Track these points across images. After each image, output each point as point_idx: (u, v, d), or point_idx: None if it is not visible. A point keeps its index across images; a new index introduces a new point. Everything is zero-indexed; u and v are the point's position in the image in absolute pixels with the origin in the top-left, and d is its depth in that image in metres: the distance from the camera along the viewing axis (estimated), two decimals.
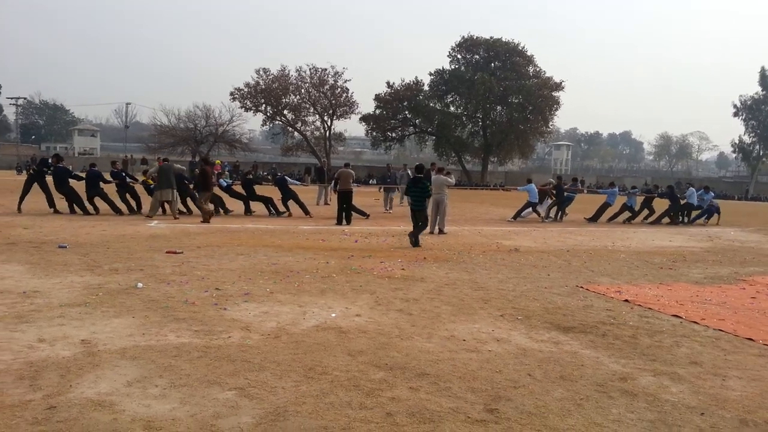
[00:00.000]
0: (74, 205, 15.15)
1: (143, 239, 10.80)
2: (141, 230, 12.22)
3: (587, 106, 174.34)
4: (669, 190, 20.30)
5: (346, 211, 15.08)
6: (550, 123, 57.47)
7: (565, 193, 19.30)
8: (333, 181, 16.60)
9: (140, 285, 6.75)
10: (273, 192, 17.34)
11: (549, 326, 5.76)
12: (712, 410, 3.81)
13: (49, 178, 15.45)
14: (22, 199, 15.03)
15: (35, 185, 15.24)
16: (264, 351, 4.62)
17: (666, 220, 19.77)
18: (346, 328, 5.39)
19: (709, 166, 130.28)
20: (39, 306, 5.72)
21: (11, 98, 78.55)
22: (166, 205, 15.20)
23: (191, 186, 16.18)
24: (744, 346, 5.38)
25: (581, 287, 7.85)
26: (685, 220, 20.26)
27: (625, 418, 3.60)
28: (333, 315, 5.84)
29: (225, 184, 18.06)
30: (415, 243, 11.23)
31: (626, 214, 19.59)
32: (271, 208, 16.73)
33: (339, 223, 14.87)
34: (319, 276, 7.83)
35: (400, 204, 23.40)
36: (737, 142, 71.37)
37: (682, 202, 20.30)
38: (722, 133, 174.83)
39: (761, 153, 70.63)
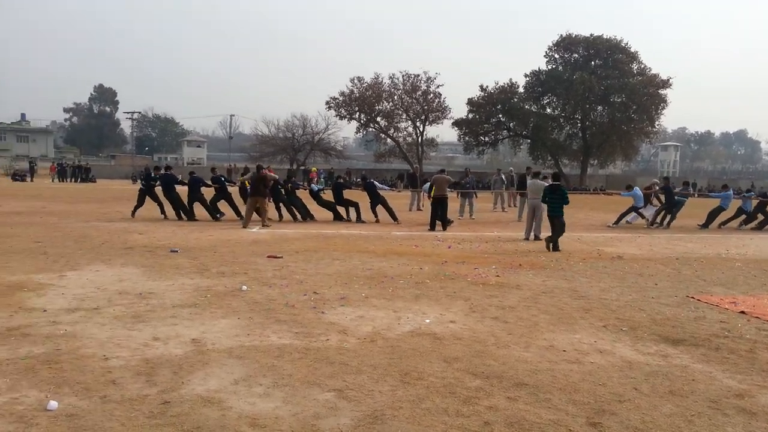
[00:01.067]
0: (180, 210, 16.19)
1: (246, 244, 11.33)
2: (244, 236, 12.82)
3: (697, 105, 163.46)
4: None
5: (441, 217, 15.02)
6: (657, 123, 54.31)
7: (675, 197, 18.03)
8: (429, 187, 16.50)
9: (245, 288, 7.09)
10: (362, 197, 17.49)
11: (657, 338, 5.44)
12: None
13: (158, 189, 16.62)
14: (136, 209, 16.41)
15: (147, 198, 16.50)
16: (361, 354, 4.71)
17: None
18: (441, 334, 5.38)
19: None
20: (153, 306, 6.15)
21: (127, 113, 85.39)
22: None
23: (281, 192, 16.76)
24: None
25: (692, 297, 7.36)
26: None
27: None
28: (427, 321, 5.84)
29: (316, 189, 18.43)
30: (554, 248, 11.53)
31: (741, 218, 18.14)
32: (356, 214, 16.88)
33: (432, 228, 14.84)
34: (412, 281, 7.87)
35: (494, 209, 23.04)
36: None
37: None
38: None
39: None
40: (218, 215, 16.57)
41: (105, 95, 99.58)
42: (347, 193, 17.45)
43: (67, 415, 3.43)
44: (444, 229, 14.83)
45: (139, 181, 18.34)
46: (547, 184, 12.95)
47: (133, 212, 16.33)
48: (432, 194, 15.33)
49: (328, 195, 18.03)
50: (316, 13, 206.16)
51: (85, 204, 21.42)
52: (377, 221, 16.63)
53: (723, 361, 4.83)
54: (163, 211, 16.38)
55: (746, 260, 11.02)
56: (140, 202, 16.57)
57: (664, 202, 18.11)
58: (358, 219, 16.77)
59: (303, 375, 4.21)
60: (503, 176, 24.41)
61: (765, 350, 5.16)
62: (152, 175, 17.27)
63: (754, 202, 18.54)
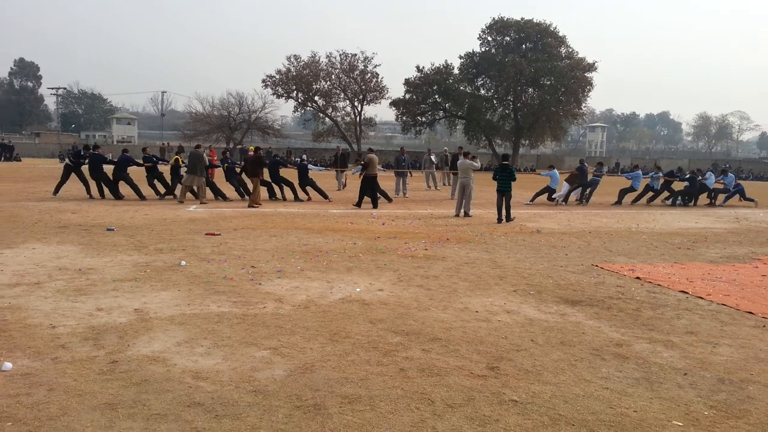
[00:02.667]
0: (105, 189, 16.08)
1: (183, 222, 11.51)
2: (180, 214, 12.94)
3: (624, 87, 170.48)
4: (690, 175, 20.41)
5: (371, 195, 15.56)
6: (583, 105, 56.63)
7: (590, 178, 19.40)
8: (361, 166, 17.01)
9: (183, 263, 7.40)
10: (294, 176, 17.79)
11: (558, 300, 6.18)
12: (695, 371, 4.21)
13: (85, 167, 16.37)
14: (59, 186, 16.20)
15: (73, 175, 16.25)
16: (295, 319, 5.18)
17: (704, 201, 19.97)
18: (369, 300, 5.92)
19: (750, 146, 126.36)
20: (94, 281, 6.39)
21: (52, 88, 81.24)
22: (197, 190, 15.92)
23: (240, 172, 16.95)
24: (742, 319, 5.72)
25: (596, 266, 8.21)
26: (711, 202, 20.28)
27: (613, 376, 4.04)
28: (358, 289, 6.36)
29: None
30: (507, 219, 13.11)
31: (648, 195, 19.79)
32: (293, 193, 17.22)
33: (358, 205, 15.41)
34: (346, 255, 8.37)
35: (429, 188, 23.78)
36: None
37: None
38: (765, 112, 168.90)
39: None
40: (160, 195, 16.53)
41: (26, 70, 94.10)
42: (283, 172, 17.72)
43: (22, 374, 3.75)
44: (374, 207, 15.37)
45: (66, 158, 17.97)
46: (497, 165, 14.19)
47: (56, 189, 16.16)
48: (363, 173, 15.86)
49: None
50: None
51: (12, 183, 20.71)
52: (309, 199, 17.08)
53: (611, 317, 5.59)
54: (89, 191, 16.19)
55: (652, 233, 12.13)
56: (64, 179, 16.34)
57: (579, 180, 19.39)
58: (296, 198, 17.12)
59: (241, 337, 4.64)
60: (433, 156, 25.17)
61: (649, 309, 5.97)
62: (81, 153, 16.97)
63: (661, 181, 20.14)
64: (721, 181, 21.02)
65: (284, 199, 17.05)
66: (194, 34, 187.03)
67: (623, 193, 19.54)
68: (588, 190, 19.33)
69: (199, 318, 5.11)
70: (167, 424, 3.12)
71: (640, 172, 20.21)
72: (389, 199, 17.23)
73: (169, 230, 10.33)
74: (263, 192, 16.55)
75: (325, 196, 17.27)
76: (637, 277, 7.48)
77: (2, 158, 42.14)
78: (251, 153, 16.10)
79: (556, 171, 19.18)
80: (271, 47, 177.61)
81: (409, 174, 21.84)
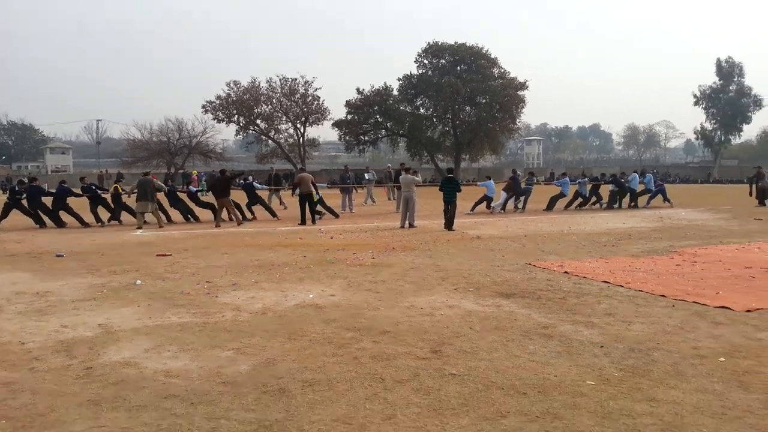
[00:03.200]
0: (47, 218, 15.94)
1: (133, 246, 11.63)
2: (129, 239, 13.02)
3: (557, 102, 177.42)
4: (613, 178, 21.97)
5: (310, 211, 16.03)
6: (518, 120, 58.94)
7: (523, 186, 20.59)
8: (294, 186, 17.53)
9: (139, 282, 7.65)
10: (241, 197, 18.08)
11: (495, 294, 6.80)
12: (610, 344, 4.86)
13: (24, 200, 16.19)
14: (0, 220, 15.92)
15: (14, 210, 16.10)
16: (254, 324, 5.57)
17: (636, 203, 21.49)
18: (322, 304, 6.36)
19: (677, 153, 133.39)
20: (53, 302, 6.58)
21: None
22: (150, 216, 15.97)
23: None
24: (656, 301, 6.48)
25: (530, 264, 8.92)
26: (633, 204, 21.75)
27: (539, 351, 4.64)
28: (311, 296, 6.80)
29: (193, 190, 18.74)
30: (449, 227, 14.00)
31: (578, 201, 21.05)
32: (238, 214, 17.41)
33: (302, 223, 15.79)
34: (297, 267, 8.78)
35: (365, 203, 24.35)
36: (699, 129, 73.76)
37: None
38: (690, 121, 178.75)
39: (722, 139, 73.11)
40: (101, 222, 16.41)
41: None
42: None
43: (3, 383, 4.01)
44: (313, 222, 15.85)
45: (2, 193, 17.72)
46: (443, 178, 15.35)
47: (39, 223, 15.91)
48: (297, 192, 16.36)
49: (206, 198, 18.39)
50: (181, 14, 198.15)
51: None
52: (254, 218, 17.35)
53: (541, 306, 6.23)
54: (37, 221, 15.96)
55: (581, 234, 13.05)
56: (4, 215, 16.15)
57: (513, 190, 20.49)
58: (243, 218, 17.31)
59: (204, 342, 5.01)
60: (372, 173, 25.95)
61: (574, 297, 6.65)
62: (16, 189, 16.75)
63: (588, 186, 21.53)
64: (642, 182, 22.50)
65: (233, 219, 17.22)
66: (130, 61, 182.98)
67: (554, 199, 20.70)
68: (522, 198, 20.42)
69: (162, 328, 5.44)
70: (148, 413, 3.49)
71: (567, 179, 21.59)
72: (336, 215, 17.71)
73: (119, 253, 10.47)
74: (205, 213, 16.83)
75: (274, 214, 17.61)
76: (566, 272, 8.22)
77: None
78: (220, 175, 16.44)
79: (491, 181, 20.20)
80: (207, 74, 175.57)
81: (354, 191, 22.41)
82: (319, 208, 16.96)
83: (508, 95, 53.75)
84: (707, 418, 3.34)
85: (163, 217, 16.22)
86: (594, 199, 21.53)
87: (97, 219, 16.48)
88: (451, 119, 56.73)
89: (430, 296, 6.73)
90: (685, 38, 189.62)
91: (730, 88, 71.25)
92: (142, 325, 5.57)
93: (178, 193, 17.98)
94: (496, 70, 55.76)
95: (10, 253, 10.61)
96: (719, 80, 71.59)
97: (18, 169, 75.19)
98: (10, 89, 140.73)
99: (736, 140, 78.77)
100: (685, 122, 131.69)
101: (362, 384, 3.91)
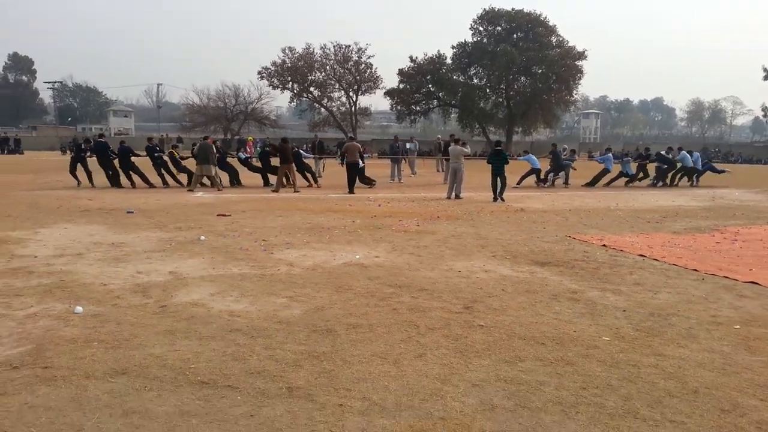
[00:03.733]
0: (112, 178, 17.02)
1: (194, 206, 12.46)
2: (190, 200, 13.89)
3: (618, 74, 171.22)
4: (658, 156, 21.59)
5: (360, 179, 16.50)
6: (575, 92, 57.53)
7: (564, 161, 20.58)
8: (341, 154, 17.88)
9: (202, 238, 8.37)
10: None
11: (530, 262, 7.17)
12: (632, 309, 5.20)
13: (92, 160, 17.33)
14: (72, 174, 17.09)
15: (78, 165, 17.20)
16: (305, 277, 6.16)
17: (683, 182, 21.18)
18: (367, 264, 6.90)
19: (743, 131, 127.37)
20: (128, 252, 7.35)
21: (48, 82, 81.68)
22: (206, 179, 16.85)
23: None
24: (687, 274, 6.72)
25: (569, 236, 9.20)
26: (675, 182, 21.36)
27: (563, 312, 5.03)
28: (357, 257, 7.34)
29: (243, 157, 19.45)
30: (501, 198, 14.63)
31: (623, 179, 20.90)
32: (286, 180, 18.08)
33: (351, 191, 16.23)
34: (346, 231, 9.34)
35: (412, 174, 24.58)
36: (767, 106, 70.30)
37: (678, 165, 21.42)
38: (759, 97, 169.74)
39: None
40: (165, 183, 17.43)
41: (21, 64, 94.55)
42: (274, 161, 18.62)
43: (93, 315, 4.72)
44: (351, 191, 16.15)
45: (68, 151, 18.90)
46: (491, 150, 15.81)
47: (77, 180, 16.99)
48: (345, 161, 16.77)
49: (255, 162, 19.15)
50: None
51: (22, 175, 21.59)
52: (309, 186, 17.99)
53: (573, 274, 6.58)
54: (91, 180, 16.92)
55: (627, 210, 13.13)
56: (72, 169, 17.16)
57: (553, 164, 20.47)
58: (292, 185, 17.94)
59: (262, 290, 5.62)
60: (415, 143, 25.84)
61: (607, 268, 6.96)
62: (82, 147, 17.83)
63: (634, 165, 21.27)
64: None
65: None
66: (188, 26, 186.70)
67: (598, 176, 20.53)
68: (563, 174, 20.43)
69: (225, 277, 6.09)
70: (216, 342, 4.11)
71: (610, 155, 21.37)
72: (371, 184, 18.09)
73: (183, 212, 11.28)
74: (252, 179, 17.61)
75: (316, 182, 18.26)
76: (604, 245, 8.48)
77: (6, 151, 42.90)
78: (249, 143, 17.12)
79: (531, 155, 20.33)
80: (265, 39, 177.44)
81: (404, 160, 22.77)
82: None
83: (565, 65, 52.55)
84: (707, 372, 3.70)
85: (220, 181, 17.05)
86: (641, 175, 21.27)
87: (164, 181, 17.50)
88: (504, 90, 56.01)
89: (469, 261, 7.16)
90: (758, 7, 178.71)
91: None
92: (207, 273, 6.23)
93: (228, 159, 18.82)
94: (554, 39, 54.48)
95: (84, 209, 11.58)
96: None
97: (83, 130, 78.62)
98: (73, 52, 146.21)
99: None
100: (754, 98, 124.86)
101: (399, 329, 4.42)
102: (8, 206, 11.81)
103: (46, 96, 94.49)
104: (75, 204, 12.48)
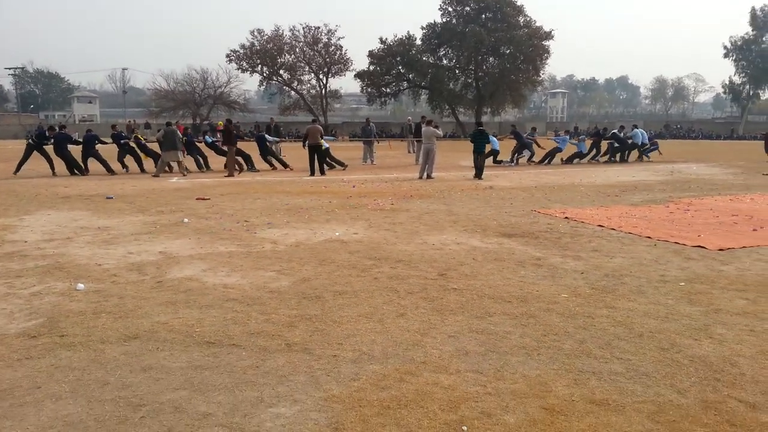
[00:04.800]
0: (72, 167, 16.94)
1: (171, 191, 12.69)
2: (165, 185, 14.09)
3: (584, 52, 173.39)
4: (612, 134, 22.93)
5: (318, 162, 16.83)
6: (542, 72, 58.54)
7: (526, 140, 21.55)
8: (303, 137, 18.08)
9: (186, 220, 8.68)
10: (253, 148, 18.99)
11: (498, 235, 7.69)
12: (589, 271, 5.75)
13: (49, 147, 17.06)
14: (20, 164, 16.87)
15: (36, 153, 16.96)
16: (289, 253, 6.57)
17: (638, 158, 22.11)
18: (347, 240, 7.33)
19: (705, 107, 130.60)
20: (115, 235, 7.65)
21: (9, 68, 79.42)
22: (174, 165, 17.03)
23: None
24: (641, 241, 7.32)
25: (534, 211, 9.77)
26: (625, 158, 22.62)
27: (528, 275, 5.56)
28: (337, 233, 7.76)
29: (209, 140, 19.47)
30: (479, 176, 15.48)
31: (576, 159, 22.07)
32: (249, 165, 18.25)
33: (312, 174, 16.57)
34: (324, 211, 9.75)
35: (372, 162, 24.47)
36: (728, 83, 72.30)
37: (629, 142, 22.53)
38: (720, 74, 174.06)
39: (751, 93, 71.68)
40: (125, 169, 17.52)
41: None
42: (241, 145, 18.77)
43: (95, 291, 5.06)
44: (322, 173, 16.62)
45: (30, 138, 18.60)
46: (474, 130, 16.71)
47: (18, 168, 16.78)
48: (306, 143, 17.06)
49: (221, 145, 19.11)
50: None
51: None
52: (273, 168, 18.26)
53: (537, 244, 7.12)
54: (52, 168, 16.82)
55: (590, 186, 13.79)
56: (25, 158, 16.97)
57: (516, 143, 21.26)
58: (251, 168, 18.22)
59: (250, 265, 6.02)
60: (372, 126, 25.89)
61: (568, 238, 7.51)
62: (46, 134, 17.51)
63: (588, 143, 22.27)
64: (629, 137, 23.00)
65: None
66: (152, 7, 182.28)
67: (551, 153, 21.44)
68: (526, 151, 21.38)
69: (213, 255, 6.46)
70: (215, 310, 4.51)
71: (567, 136, 22.75)
72: (344, 166, 18.49)
73: (162, 197, 11.53)
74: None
75: (285, 165, 18.55)
76: (566, 217, 9.06)
77: None
78: (219, 127, 17.22)
79: (494, 138, 21.11)
80: (232, 21, 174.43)
81: (375, 142, 23.13)
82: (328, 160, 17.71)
83: (532, 45, 53.31)
84: (651, 320, 4.25)
85: (186, 166, 17.15)
86: (594, 152, 22.26)
87: (123, 166, 17.60)
88: (473, 71, 56.60)
89: (441, 235, 7.65)
90: None
91: (764, 39, 69.40)
92: (195, 252, 6.60)
93: (195, 142, 18.94)
94: (521, 19, 55.15)
95: (63, 196, 11.74)
96: (753, 31, 69.68)
97: (45, 118, 76.89)
98: (33, 37, 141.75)
99: (765, 95, 77.19)
100: (716, 76, 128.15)
101: (381, 294, 4.88)
102: None
103: (6, 82, 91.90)
104: (52, 191, 12.60)
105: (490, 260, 6.21)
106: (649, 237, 7.56)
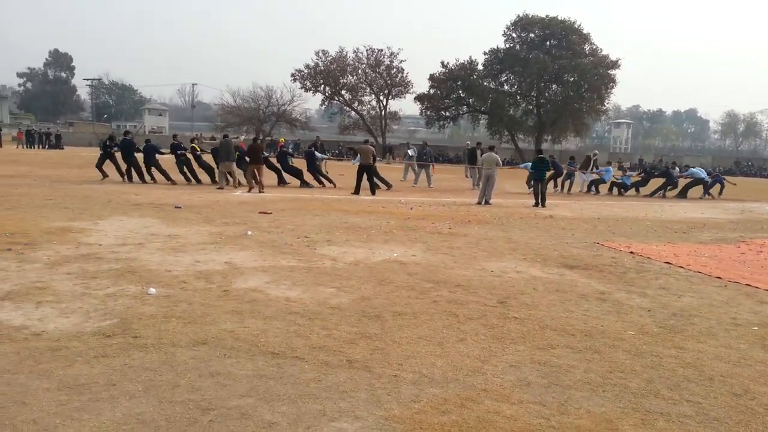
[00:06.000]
0: (139, 174, 17.83)
1: (235, 204, 13.08)
2: (230, 198, 14.53)
3: (651, 84, 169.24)
4: (665, 169, 22.57)
5: (369, 182, 16.94)
6: (606, 101, 57.32)
7: (565, 171, 21.47)
8: (354, 155, 18.27)
9: (250, 233, 8.93)
10: (303, 165, 19.23)
11: (560, 265, 7.56)
12: (657, 309, 5.58)
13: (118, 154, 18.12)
14: (101, 170, 17.90)
15: (108, 162, 18.11)
16: (349, 271, 6.65)
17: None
18: (405, 261, 7.36)
19: None
20: (183, 243, 7.94)
21: (86, 79, 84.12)
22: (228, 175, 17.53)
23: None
24: (710, 281, 7.04)
25: (598, 243, 9.55)
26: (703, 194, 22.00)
27: (591, 309, 5.43)
28: (395, 254, 7.81)
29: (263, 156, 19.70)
30: (542, 204, 15.31)
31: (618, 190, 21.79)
32: (301, 180, 18.59)
33: (356, 192, 16.60)
34: (382, 231, 9.83)
35: (403, 179, 24.13)
36: None
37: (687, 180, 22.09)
38: None
39: None
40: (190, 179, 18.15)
41: (60, 60, 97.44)
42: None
43: (165, 296, 5.27)
44: (372, 193, 16.68)
45: (101, 147, 19.66)
46: (535, 157, 16.87)
47: (102, 173, 17.84)
48: (358, 162, 17.26)
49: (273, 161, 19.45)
50: None
51: (67, 169, 22.57)
52: (321, 186, 18.55)
53: (602, 277, 6.96)
54: (121, 174, 17.83)
55: (656, 220, 13.38)
56: (99, 164, 18.05)
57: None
58: (303, 184, 18.53)
59: (311, 281, 6.13)
60: (414, 149, 25.66)
61: (634, 273, 7.31)
62: (107, 143, 18.67)
63: (635, 178, 21.99)
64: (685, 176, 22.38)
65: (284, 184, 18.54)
66: (222, 26, 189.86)
67: (594, 182, 21.50)
68: (563, 179, 21.32)
69: (276, 268, 6.62)
70: (278, 321, 4.62)
71: (610, 168, 22.71)
72: (389, 186, 18.57)
73: (227, 209, 11.90)
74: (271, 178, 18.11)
75: (331, 182, 18.74)
76: (631, 252, 8.81)
77: (47, 146, 44.50)
78: (281, 144, 17.59)
79: (528, 163, 20.99)
80: (298, 42, 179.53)
81: (432, 166, 23.17)
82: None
83: (598, 74, 52.36)
84: (723, 364, 4.08)
85: (240, 180, 17.54)
86: (637, 185, 22.26)
87: (186, 178, 18.23)
88: (535, 97, 56.02)
89: (500, 262, 7.59)
90: None
91: None
92: (259, 264, 6.77)
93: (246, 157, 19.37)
94: (587, 47, 54.35)
95: (134, 203, 12.28)
96: None
97: (117, 128, 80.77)
98: (110, 50, 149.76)
99: None
100: None
101: (440, 317, 4.88)
102: (63, 198, 12.56)
103: (83, 93, 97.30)
104: (124, 198, 13.19)
105: (551, 291, 6.11)
106: (719, 277, 7.26)
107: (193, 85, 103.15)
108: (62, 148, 45.00)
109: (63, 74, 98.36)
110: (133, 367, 3.63)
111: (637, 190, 21.97)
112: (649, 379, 3.77)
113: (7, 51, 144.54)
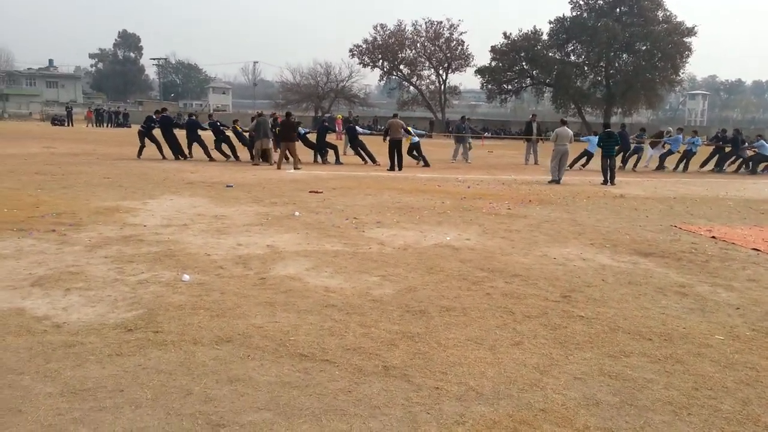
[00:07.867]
0: (176, 152, 17.83)
1: (287, 182, 12.81)
2: (282, 176, 14.29)
3: (730, 52, 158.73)
4: (734, 137, 20.45)
5: (398, 158, 16.36)
6: (681, 71, 53.78)
7: (632, 145, 19.98)
8: (384, 131, 17.67)
9: (297, 213, 8.58)
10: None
11: (632, 252, 6.82)
12: (747, 306, 4.82)
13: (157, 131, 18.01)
14: (140, 150, 17.85)
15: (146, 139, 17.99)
16: (396, 257, 6.17)
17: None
18: (458, 246, 6.81)
19: None
20: (228, 225, 7.66)
21: (153, 59, 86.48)
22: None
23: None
24: None
25: (675, 226, 8.67)
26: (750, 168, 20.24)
27: (671, 306, 4.74)
28: (448, 238, 7.27)
29: (302, 132, 18.84)
30: (611, 181, 14.60)
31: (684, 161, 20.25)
32: (336, 156, 18.19)
33: (392, 169, 16.15)
34: (435, 212, 9.28)
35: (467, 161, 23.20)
36: None
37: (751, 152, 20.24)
38: None
39: None
40: (228, 157, 18.01)
41: (129, 41, 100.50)
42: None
43: (198, 283, 4.96)
44: (399, 168, 16.15)
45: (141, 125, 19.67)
46: (602, 132, 16.07)
47: (139, 153, 17.79)
48: (388, 137, 16.64)
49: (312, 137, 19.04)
50: None
51: (131, 147, 22.98)
52: (364, 162, 17.91)
53: (680, 267, 6.19)
54: (161, 151, 17.84)
55: (738, 200, 12.21)
56: (141, 141, 17.94)
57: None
58: (337, 161, 18.11)
59: (355, 267, 5.69)
60: (467, 124, 24.40)
61: (717, 262, 6.50)
62: (152, 117, 18.47)
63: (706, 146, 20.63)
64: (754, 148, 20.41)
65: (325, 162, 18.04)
66: (283, 3, 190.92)
67: (663, 156, 20.16)
68: (628, 154, 19.79)
69: (319, 253, 6.22)
70: (312, 316, 4.20)
71: (680, 136, 20.71)
72: (427, 164, 17.92)
73: (278, 188, 11.63)
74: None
75: (374, 160, 18.04)
76: (713, 237, 7.92)
77: (115, 124, 46.03)
78: (339, 121, 17.18)
79: (591, 136, 19.55)
80: (357, 16, 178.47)
81: (469, 141, 22.21)
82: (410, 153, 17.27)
83: (672, 42, 49.13)
84: None
85: (275, 157, 17.20)
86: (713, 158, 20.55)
87: (225, 155, 18.09)
88: (604, 68, 53.26)
89: (564, 248, 6.91)
90: None
91: None
92: (302, 248, 6.39)
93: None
94: (660, 13, 51.01)
95: (188, 181, 12.20)
96: None
97: (184, 106, 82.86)
98: (176, 30, 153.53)
99: None
100: None
101: (493, 314, 4.33)
102: (120, 177, 12.64)
103: (151, 72, 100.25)
104: (179, 176, 13.16)
105: (623, 283, 5.43)
106: None
107: (255, 63, 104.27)
108: (129, 126, 46.38)
109: (132, 54, 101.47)
110: (147, 368, 3.29)
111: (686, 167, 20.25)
112: (744, 399, 3.12)
113: (81, 31, 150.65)
